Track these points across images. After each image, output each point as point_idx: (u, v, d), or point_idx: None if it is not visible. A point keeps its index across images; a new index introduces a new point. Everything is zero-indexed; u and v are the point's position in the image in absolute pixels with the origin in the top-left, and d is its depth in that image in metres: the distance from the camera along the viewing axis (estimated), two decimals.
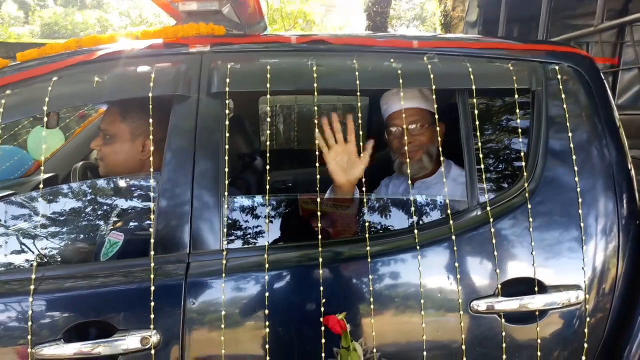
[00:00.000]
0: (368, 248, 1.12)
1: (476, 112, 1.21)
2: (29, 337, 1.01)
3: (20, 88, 1.17)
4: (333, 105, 2.77)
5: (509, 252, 1.15)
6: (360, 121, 1.32)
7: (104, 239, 1.24)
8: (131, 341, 1.02)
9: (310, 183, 1.37)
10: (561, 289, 1.14)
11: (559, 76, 1.25)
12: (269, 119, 2.82)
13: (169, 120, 1.18)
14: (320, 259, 1.09)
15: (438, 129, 1.36)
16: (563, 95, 1.23)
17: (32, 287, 1.03)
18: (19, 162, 2.20)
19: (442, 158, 1.35)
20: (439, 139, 1.57)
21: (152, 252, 1.09)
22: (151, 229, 1.11)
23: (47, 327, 1.02)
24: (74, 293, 1.07)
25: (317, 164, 1.15)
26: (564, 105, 1.23)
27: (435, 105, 1.28)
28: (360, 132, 1.32)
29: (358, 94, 1.20)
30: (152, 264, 1.08)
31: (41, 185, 1.15)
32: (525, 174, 1.20)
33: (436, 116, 1.27)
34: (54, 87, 1.16)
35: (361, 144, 1.31)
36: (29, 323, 1.01)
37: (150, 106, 1.14)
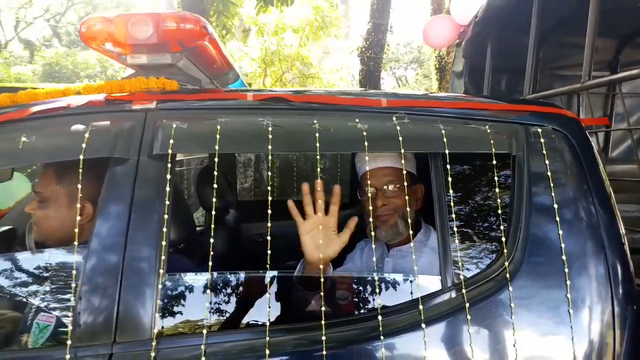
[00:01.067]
0: (324, 338, 0.96)
1: (449, 179, 1.08)
2: None
3: None
4: (313, 159, 2.66)
5: (488, 343, 0.99)
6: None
7: (29, 322, 1.08)
8: None
9: (287, 237, 1.23)
10: None
11: (542, 140, 1.13)
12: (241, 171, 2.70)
13: (102, 185, 1.05)
14: (267, 348, 0.93)
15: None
16: (547, 162, 1.11)
17: None
18: None
19: (422, 223, 1.20)
20: (417, 201, 1.45)
21: (69, 342, 0.93)
22: (71, 313, 0.96)
23: None
24: None
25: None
26: (548, 174, 1.10)
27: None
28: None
29: (318, 157, 1.07)
30: (68, 356, 0.92)
31: None
32: (505, 251, 1.06)
33: (405, 177, 1.14)
34: None
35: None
36: None
37: (80, 170, 1.01)
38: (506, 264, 1.04)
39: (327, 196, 1.13)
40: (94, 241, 1.00)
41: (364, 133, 1.08)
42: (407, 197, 1.15)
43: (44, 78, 13.30)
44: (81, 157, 1.01)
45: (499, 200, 1.08)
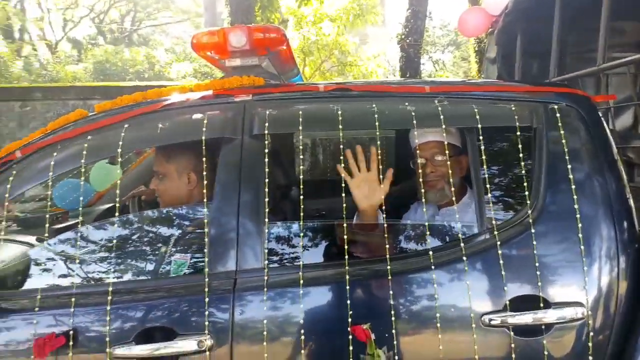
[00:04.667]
0: (389, 267, 1.29)
1: (482, 147, 1.38)
2: (107, 339, 1.22)
3: (99, 134, 1.43)
4: (362, 139, 2.98)
5: (515, 273, 1.30)
6: (380, 153, 1.51)
7: (166, 260, 1.46)
8: (189, 344, 1.22)
9: (342, 211, 1.56)
10: (564, 306, 1.27)
11: (557, 115, 1.41)
12: (301, 155, 3.05)
13: (219, 158, 1.41)
14: (347, 277, 1.27)
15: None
16: (562, 132, 1.39)
17: (109, 298, 1.25)
18: (84, 194, 2.49)
19: (468, 188, 1.49)
20: (461, 169, 1.71)
21: (207, 270, 1.30)
22: (205, 251, 1.33)
23: (121, 332, 1.24)
24: (143, 303, 1.28)
25: (343, 194, 1.34)
26: (563, 140, 1.38)
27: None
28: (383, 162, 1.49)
29: (377, 134, 1.39)
30: (207, 280, 1.29)
31: (116, 214, 1.39)
32: (528, 202, 1.35)
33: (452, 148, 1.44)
34: (126, 133, 1.41)
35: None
36: (107, 328, 1.23)
37: (204, 147, 1.37)
38: (529, 211, 1.34)
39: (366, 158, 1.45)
40: (216, 199, 1.37)
41: (412, 113, 1.40)
42: (450, 165, 1.45)
43: (96, 75, 14.04)
44: (203, 137, 1.38)
45: (522, 164, 1.38)
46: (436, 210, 1.80)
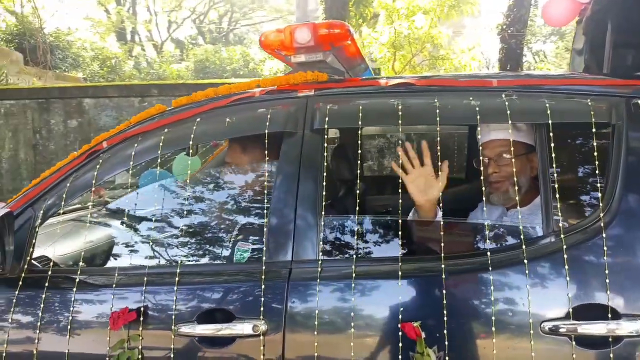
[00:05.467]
0: (443, 265, 1.26)
1: (552, 145, 1.30)
2: (173, 317, 1.33)
3: (174, 127, 1.55)
4: (432, 134, 2.92)
5: (582, 279, 1.21)
6: (438, 148, 1.48)
7: (231, 246, 1.56)
8: (245, 328, 1.29)
9: (408, 208, 1.55)
10: (637, 318, 1.17)
11: None
12: (362, 150, 3.06)
13: (280, 151, 1.47)
14: (400, 272, 1.27)
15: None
16: None
17: (177, 279, 1.36)
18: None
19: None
20: (532, 169, 1.61)
21: (264, 258, 1.36)
22: (264, 240, 1.39)
23: (185, 311, 1.34)
24: (208, 286, 1.38)
25: (400, 190, 1.34)
26: None
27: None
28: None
29: (438, 129, 1.36)
30: (264, 268, 1.35)
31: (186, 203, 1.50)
32: (601, 203, 1.26)
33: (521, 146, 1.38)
34: (197, 126, 1.51)
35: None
36: (174, 307, 1.33)
37: (266, 140, 1.43)
38: (601, 214, 1.24)
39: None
40: (277, 191, 1.42)
41: (477, 109, 1.35)
42: (519, 165, 1.38)
43: (196, 73, 15.04)
44: (266, 131, 1.43)
45: (597, 162, 1.28)
46: (504, 211, 1.72)
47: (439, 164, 1.43)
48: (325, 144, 1.43)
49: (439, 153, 1.39)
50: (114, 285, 1.39)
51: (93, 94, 6.14)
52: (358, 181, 1.40)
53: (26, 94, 6.26)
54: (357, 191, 1.40)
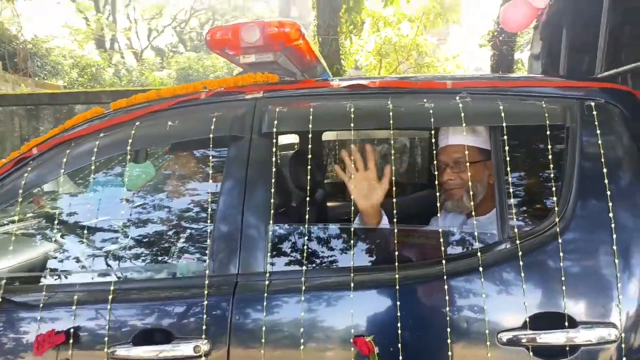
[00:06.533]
0: (397, 275, 1.20)
1: (506, 147, 1.26)
2: (106, 339, 1.21)
3: (111, 132, 1.43)
4: (398, 138, 2.88)
5: (537, 287, 1.17)
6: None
7: (174, 260, 1.45)
8: (186, 349, 1.18)
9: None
10: (594, 326, 1.13)
11: (594, 112, 1.26)
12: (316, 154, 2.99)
13: (227, 157, 1.38)
14: (352, 284, 1.20)
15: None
16: (598, 131, 1.24)
17: (110, 296, 1.24)
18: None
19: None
20: (490, 176, 1.55)
21: (207, 272, 1.27)
22: (208, 252, 1.30)
23: (120, 332, 1.23)
24: (144, 304, 1.27)
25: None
26: (599, 141, 1.23)
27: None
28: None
29: (391, 131, 1.30)
30: (207, 282, 1.25)
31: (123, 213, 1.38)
32: (557, 208, 1.22)
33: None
34: (137, 131, 1.40)
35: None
36: (107, 327, 1.22)
37: (211, 145, 1.34)
38: (557, 219, 1.20)
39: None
40: (222, 199, 1.33)
41: (431, 111, 1.30)
42: (476, 172, 1.33)
43: (179, 81, 14.87)
44: (211, 135, 1.34)
45: (551, 166, 1.24)
46: (465, 219, 1.66)
47: (393, 168, 1.38)
48: (274, 149, 1.34)
49: (392, 157, 1.33)
50: (40, 305, 1.26)
51: (85, 100, 5.94)
52: (308, 187, 1.32)
53: (14, 100, 6.01)
54: (308, 199, 1.32)
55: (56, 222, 1.36)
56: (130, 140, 1.38)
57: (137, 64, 18.79)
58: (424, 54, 10.21)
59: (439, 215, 1.42)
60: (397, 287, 1.19)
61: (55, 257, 1.56)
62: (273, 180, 1.32)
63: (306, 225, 1.30)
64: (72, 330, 1.21)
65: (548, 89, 1.34)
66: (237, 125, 1.38)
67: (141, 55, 20.82)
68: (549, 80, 1.38)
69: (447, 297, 1.16)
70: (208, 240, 1.31)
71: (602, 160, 1.21)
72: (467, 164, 1.32)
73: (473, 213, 1.28)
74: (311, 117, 1.33)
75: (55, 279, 1.42)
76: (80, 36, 19.16)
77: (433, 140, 1.40)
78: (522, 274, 1.16)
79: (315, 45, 1.71)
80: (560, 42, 2.72)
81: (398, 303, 1.17)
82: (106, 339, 1.21)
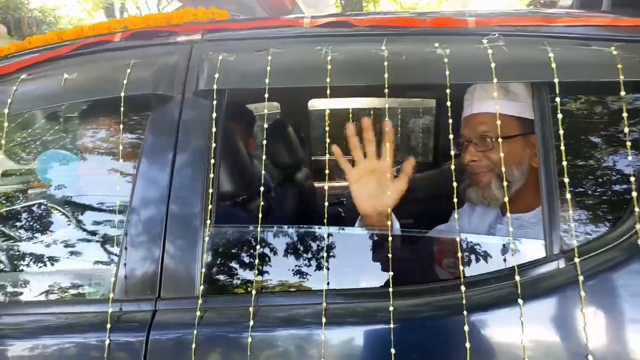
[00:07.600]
0: (391, 308, 0.79)
1: (559, 116, 0.83)
2: None
3: None
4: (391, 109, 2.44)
5: (602, 322, 0.77)
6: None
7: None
8: None
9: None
10: None
11: None
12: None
13: (147, 125, 0.95)
14: (324, 318, 0.79)
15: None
16: None
17: None
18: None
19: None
20: (532, 157, 1.09)
21: (112, 295, 0.86)
22: (115, 265, 0.88)
23: None
24: (18, 342, 0.86)
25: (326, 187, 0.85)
26: None
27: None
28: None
29: (386, 90, 0.87)
30: (110, 310, 0.84)
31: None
32: (637, 207, 0.80)
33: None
34: (20, 87, 0.97)
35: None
36: None
37: (122, 108, 0.91)
38: (637, 226, 0.79)
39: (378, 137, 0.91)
40: (136, 188, 0.91)
41: (445, 60, 0.86)
42: (511, 150, 0.90)
43: None
44: (122, 94, 0.91)
45: (629, 144, 0.82)
46: (499, 215, 1.19)
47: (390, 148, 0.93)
48: (214, 113, 0.91)
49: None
50: None
51: None
52: (263, 172, 0.90)
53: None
54: (262, 189, 0.90)
55: None
56: (9, 101, 0.94)
57: None
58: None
59: (456, 209, 0.95)
60: (391, 325, 0.78)
61: None
62: (213, 161, 0.90)
63: (259, 226, 0.88)
64: None
65: (620, 29, 0.91)
66: (164, 79, 0.95)
67: None
68: (619, 17, 0.94)
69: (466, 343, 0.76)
70: (115, 249, 0.89)
71: None
72: (499, 139, 0.88)
73: (508, 209, 0.85)
74: (269, 68, 0.89)
75: None
76: (89, 5, 18.80)
77: (448, 103, 0.93)
78: (583, 309, 0.76)
79: None
80: None
81: (392, 350, 0.77)
82: None
